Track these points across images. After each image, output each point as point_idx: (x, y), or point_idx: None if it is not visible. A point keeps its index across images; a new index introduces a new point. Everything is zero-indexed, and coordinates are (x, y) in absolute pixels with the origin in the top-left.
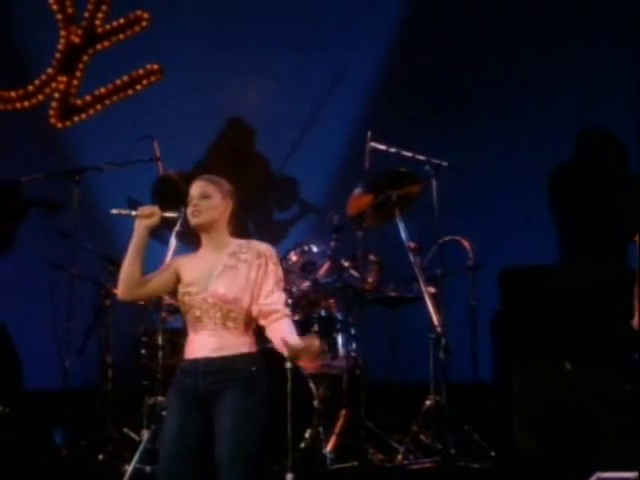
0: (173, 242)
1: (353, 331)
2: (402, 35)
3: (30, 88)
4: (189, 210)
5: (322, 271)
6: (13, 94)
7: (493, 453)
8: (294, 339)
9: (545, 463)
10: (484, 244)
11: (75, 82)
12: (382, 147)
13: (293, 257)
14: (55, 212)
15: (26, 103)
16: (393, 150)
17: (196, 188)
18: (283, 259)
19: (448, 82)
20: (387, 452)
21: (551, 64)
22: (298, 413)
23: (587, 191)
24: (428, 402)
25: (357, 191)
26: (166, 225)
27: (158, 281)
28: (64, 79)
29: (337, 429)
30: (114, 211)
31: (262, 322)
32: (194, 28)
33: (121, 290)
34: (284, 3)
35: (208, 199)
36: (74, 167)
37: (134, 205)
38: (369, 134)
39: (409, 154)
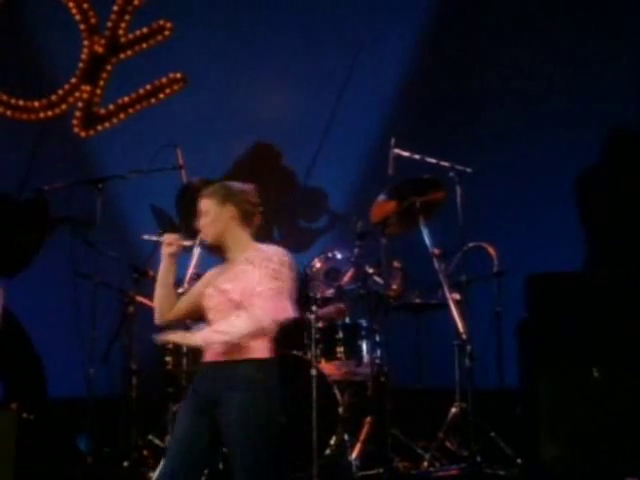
0: (197, 251)
1: (377, 338)
2: (424, 42)
3: (54, 98)
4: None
5: (346, 278)
6: (37, 104)
7: (519, 460)
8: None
9: (572, 470)
10: (509, 250)
11: (98, 91)
12: (406, 154)
13: (317, 264)
14: (84, 229)
15: (50, 113)
16: (417, 157)
17: (199, 207)
18: (307, 266)
19: (472, 87)
20: (412, 459)
21: (576, 66)
22: (323, 420)
23: (613, 196)
24: (454, 409)
25: (381, 198)
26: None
27: (190, 299)
28: (88, 88)
29: (362, 436)
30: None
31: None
32: (216, 36)
33: (157, 316)
34: (308, 12)
35: (206, 217)
36: (97, 175)
37: (158, 214)
38: (392, 141)
39: (433, 160)
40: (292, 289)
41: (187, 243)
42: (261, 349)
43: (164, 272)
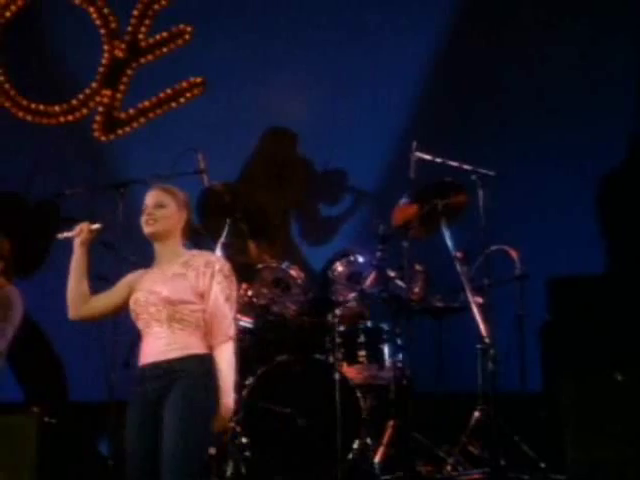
0: (218, 254)
1: (399, 341)
2: (447, 43)
3: (74, 102)
4: (143, 219)
5: (368, 281)
6: (57, 108)
7: (543, 465)
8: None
9: (596, 474)
10: (531, 253)
11: (119, 96)
12: (427, 157)
13: (339, 267)
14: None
15: (70, 117)
16: (439, 160)
17: (151, 197)
18: (328, 269)
19: (494, 90)
20: (435, 463)
21: (600, 66)
22: (346, 424)
23: (636, 198)
24: (477, 413)
25: (403, 201)
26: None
27: (110, 298)
28: (108, 93)
29: (385, 440)
30: (60, 236)
31: (211, 341)
32: (236, 40)
33: (70, 310)
34: (328, 12)
35: (163, 208)
36: (118, 180)
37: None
38: (414, 144)
39: (455, 164)
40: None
41: (95, 227)
42: (200, 345)
43: (76, 263)
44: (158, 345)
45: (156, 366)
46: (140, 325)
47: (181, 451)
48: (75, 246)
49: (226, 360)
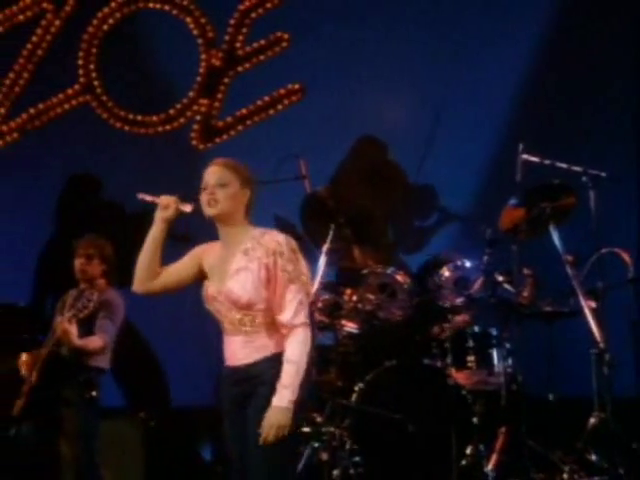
0: (323, 260)
1: (508, 346)
2: (551, 42)
3: (172, 112)
4: (203, 199)
5: (476, 286)
6: (155, 118)
7: None
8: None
9: None
10: None
11: (216, 104)
12: (535, 159)
13: (446, 272)
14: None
15: (168, 127)
16: (547, 162)
17: (212, 174)
18: (436, 275)
19: (604, 88)
20: (549, 471)
21: None
22: (458, 430)
23: None
24: (592, 419)
25: (510, 204)
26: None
27: (179, 274)
28: (205, 102)
29: (497, 447)
30: (140, 196)
31: (281, 330)
32: (334, 46)
33: (136, 282)
34: (423, 15)
35: (225, 187)
36: None
37: (281, 224)
38: (521, 146)
39: (564, 165)
40: (308, 281)
41: (185, 208)
42: (274, 345)
43: (153, 237)
44: (235, 349)
45: (235, 371)
46: (217, 319)
47: (264, 467)
48: (157, 219)
49: (287, 353)
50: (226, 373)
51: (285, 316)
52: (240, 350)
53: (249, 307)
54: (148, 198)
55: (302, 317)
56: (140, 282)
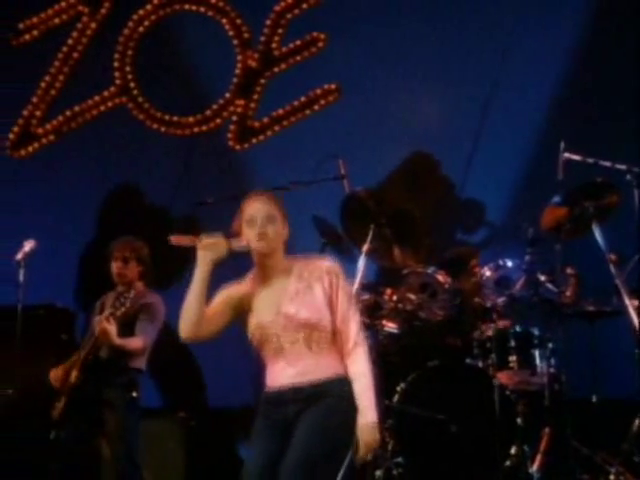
0: (362, 261)
1: (550, 346)
2: (589, 39)
3: (208, 113)
4: (253, 234)
5: (518, 286)
6: (191, 119)
7: None
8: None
9: None
10: None
11: (253, 105)
12: (577, 157)
13: (487, 272)
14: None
15: (204, 127)
16: (590, 160)
17: (259, 210)
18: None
19: None
20: (595, 472)
21: None
22: (502, 431)
23: None
24: (638, 420)
25: (553, 203)
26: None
27: (221, 316)
28: (242, 102)
29: (542, 448)
30: (174, 239)
31: (343, 350)
32: (370, 46)
33: (186, 330)
34: (461, 14)
35: (273, 223)
36: (257, 188)
37: (320, 224)
38: (562, 145)
39: (607, 164)
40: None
41: (240, 243)
42: (338, 365)
43: (201, 280)
44: (296, 368)
45: (298, 389)
46: (267, 349)
47: (305, 463)
48: (203, 261)
49: (360, 368)
50: (270, 396)
51: (352, 332)
52: (303, 367)
53: (311, 325)
54: (184, 241)
55: (362, 334)
56: (192, 329)
